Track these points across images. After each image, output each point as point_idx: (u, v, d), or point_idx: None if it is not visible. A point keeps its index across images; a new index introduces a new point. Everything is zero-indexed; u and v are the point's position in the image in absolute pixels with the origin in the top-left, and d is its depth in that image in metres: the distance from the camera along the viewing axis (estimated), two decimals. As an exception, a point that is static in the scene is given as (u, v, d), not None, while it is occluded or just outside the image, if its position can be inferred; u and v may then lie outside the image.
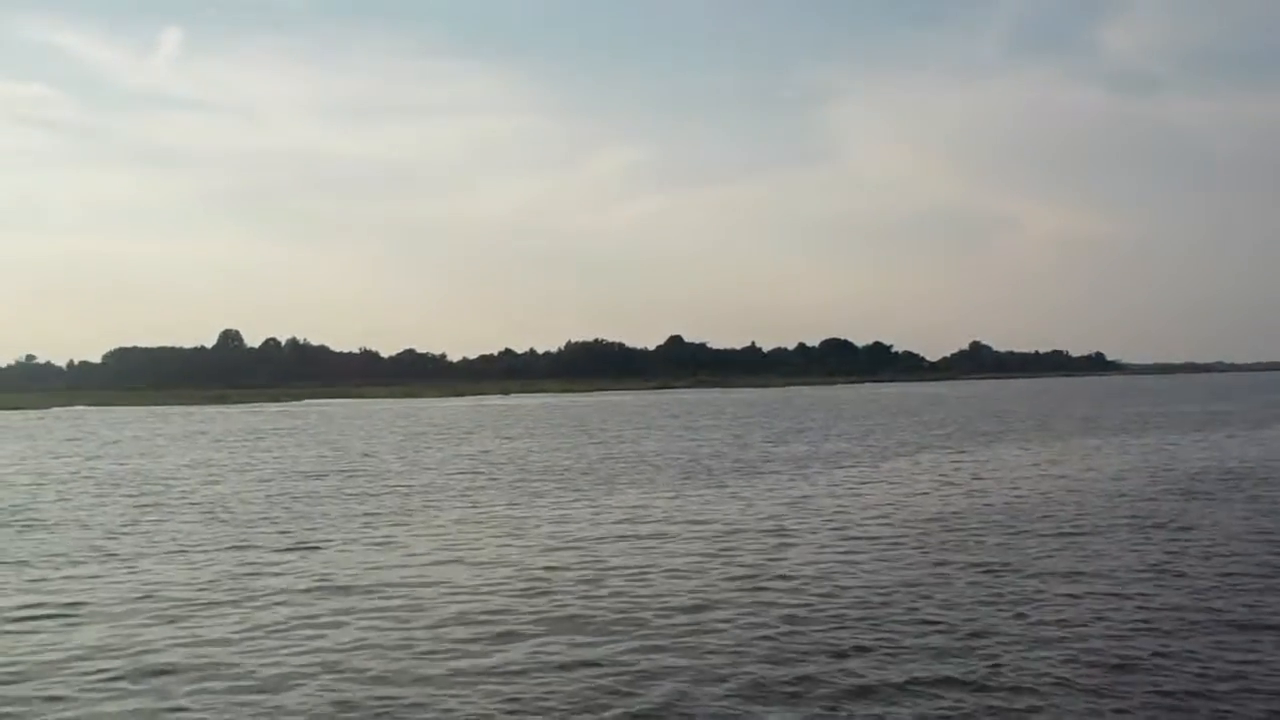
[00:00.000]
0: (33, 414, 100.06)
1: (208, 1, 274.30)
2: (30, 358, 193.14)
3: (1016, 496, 25.51)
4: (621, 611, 13.97)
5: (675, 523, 22.07)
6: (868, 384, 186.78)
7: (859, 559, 17.53)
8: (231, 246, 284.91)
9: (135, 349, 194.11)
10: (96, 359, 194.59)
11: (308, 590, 15.66)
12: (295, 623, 13.63)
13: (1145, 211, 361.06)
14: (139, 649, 12.46)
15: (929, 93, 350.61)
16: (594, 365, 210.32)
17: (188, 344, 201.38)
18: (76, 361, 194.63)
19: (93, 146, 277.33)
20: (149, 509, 25.67)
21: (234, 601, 14.95)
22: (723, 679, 10.95)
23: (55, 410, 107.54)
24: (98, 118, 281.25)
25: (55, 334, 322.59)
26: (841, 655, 11.74)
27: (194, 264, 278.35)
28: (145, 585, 16.23)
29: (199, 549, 19.55)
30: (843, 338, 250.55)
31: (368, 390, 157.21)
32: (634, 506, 24.88)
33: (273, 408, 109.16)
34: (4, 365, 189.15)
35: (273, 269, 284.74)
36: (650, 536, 20.28)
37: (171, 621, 13.82)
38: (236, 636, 12.99)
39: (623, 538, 20.22)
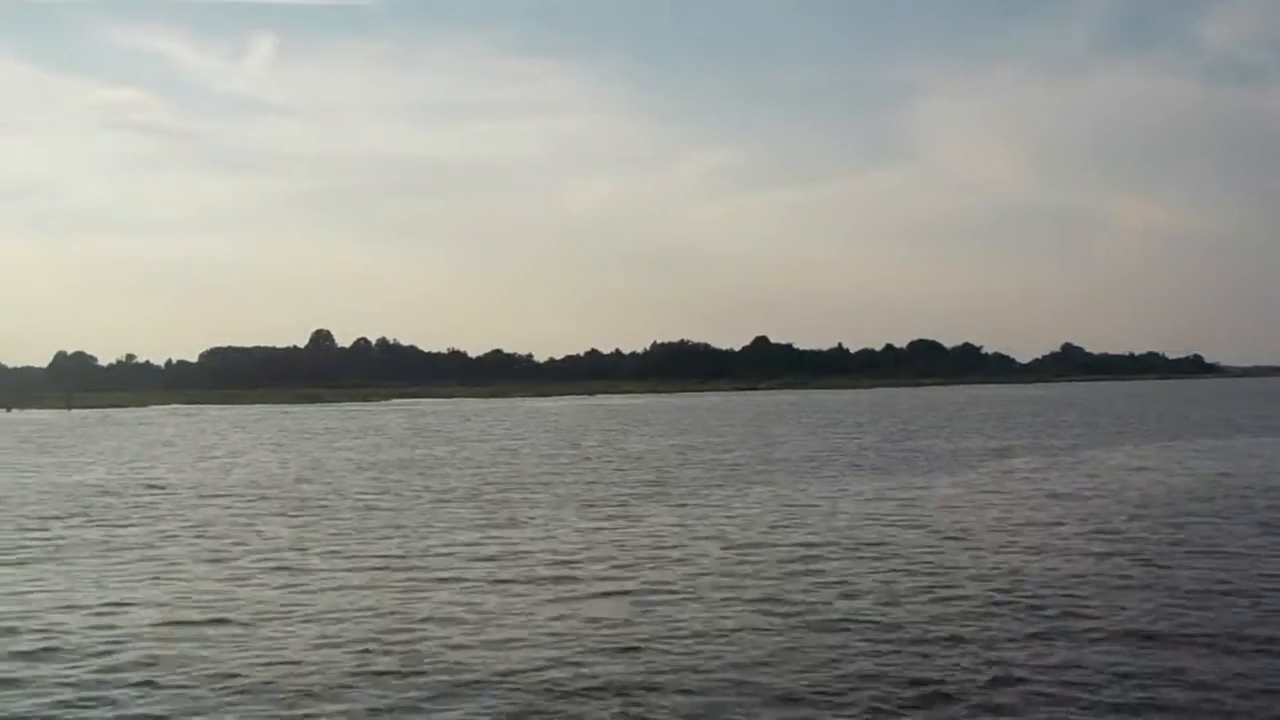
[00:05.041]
0: (138, 411, 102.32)
1: (296, 7, 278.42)
2: (130, 357, 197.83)
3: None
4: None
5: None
6: (958, 386, 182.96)
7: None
8: (322, 248, 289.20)
9: (231, 348, 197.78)
10: (193, 358, 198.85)
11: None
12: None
13: (1245, 206, 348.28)
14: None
15: (1019, 89, 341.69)
16: (679, 366, 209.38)
17: (281, 344, 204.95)
18: (174, 360, 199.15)
19: (188, 150, 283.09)
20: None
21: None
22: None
23: (151, 409, 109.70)
24: (193, 122, 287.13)
25: (154, 333, 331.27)
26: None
27: (286, 265, 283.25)
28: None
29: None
30: (931, 339, 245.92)
31: (456, 390, 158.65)
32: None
33: (371, 406, 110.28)
34: (105, 364, 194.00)
35: (362, 270, 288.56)
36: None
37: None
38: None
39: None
